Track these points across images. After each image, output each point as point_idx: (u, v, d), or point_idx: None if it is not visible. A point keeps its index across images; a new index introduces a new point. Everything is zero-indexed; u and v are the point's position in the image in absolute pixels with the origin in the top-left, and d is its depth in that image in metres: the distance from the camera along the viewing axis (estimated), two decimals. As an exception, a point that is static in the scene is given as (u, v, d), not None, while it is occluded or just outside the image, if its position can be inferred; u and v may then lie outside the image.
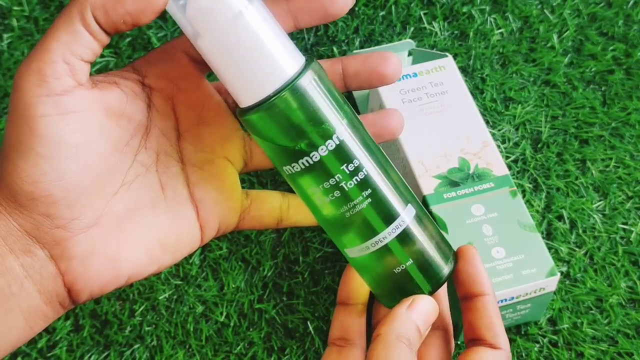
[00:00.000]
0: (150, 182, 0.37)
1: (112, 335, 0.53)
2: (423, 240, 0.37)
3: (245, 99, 0.34)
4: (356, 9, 0.67)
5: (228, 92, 0.38)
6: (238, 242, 0.56)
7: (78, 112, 0.33)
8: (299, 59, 0.34)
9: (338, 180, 0.35)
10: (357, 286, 0.39)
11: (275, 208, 0.40)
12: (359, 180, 0.35)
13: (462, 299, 0.39)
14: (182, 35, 0.36)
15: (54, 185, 0.33)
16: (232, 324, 0.54)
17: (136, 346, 0.53)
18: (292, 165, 0.35)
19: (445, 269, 0.38)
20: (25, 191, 0.33)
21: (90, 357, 0.52)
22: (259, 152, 0.40)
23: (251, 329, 0.53)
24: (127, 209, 0.36)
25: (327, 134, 0.34)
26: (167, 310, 0.54)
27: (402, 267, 0.37)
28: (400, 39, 0.65)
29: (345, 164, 0.35)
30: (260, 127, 0.34)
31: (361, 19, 0.66)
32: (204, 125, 0.38)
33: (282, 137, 0.34)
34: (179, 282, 0.55)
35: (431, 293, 0.38)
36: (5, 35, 0.66)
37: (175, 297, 0.55)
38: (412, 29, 0.66)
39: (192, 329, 0.53)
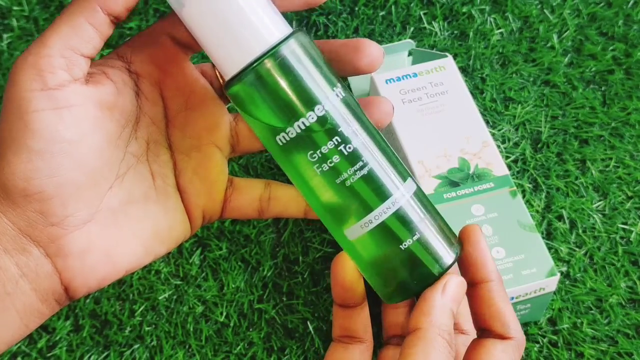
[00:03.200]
0: (142, 173, 0.37)
1: (112, 335, 0.53)
2: (426, 216, 0.35)
3: (229, 69, 0.33)
4: (356, 9, 0.67)
5: (214, 76, 0.38)
6: (238, 242, 0.56)
7: (72, 107, 0.33)
8: (284, 29, 0.34)
9: (326, 152, 0.34)
10: (351, 284, 0.37)
11: (255, 199, 0.39)
12: (349, 151, 0.34)
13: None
14: (164, 17, 0.36)
15: (47, 182, 0.33)
16: (232, 324, 0.54)
17: (136, 346, 0.53)
18: (278, 137, 0.34)
19: (452, 249, 0.35)
20: (18, 188, 0.33)
21: (90, 357, 0.52)
22: (246, 137, 0.39)
23: (251, 329, 0.53)
24: (122, 202, 0.36)
25: (311, 103, 0.33)
26: (167, 310, 0.54)
27: (406, 244, 0.35)
28: (400, 39, 0.65)
29: (335, 135, 0.34)
30: (245, 96, 0.34)
31: (361, 19, 0.66)
32: (191, 110, 0.38)
33: (266, 107, 0.34)
34: (179, 282, 0.55)
35: (437, 277, 0.35)
36: (5, 35, 0.66)
37: (175, 297, 0.55)
38: (412, 29, 0.66)
39: (192, 329, 0.53)
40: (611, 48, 0.65)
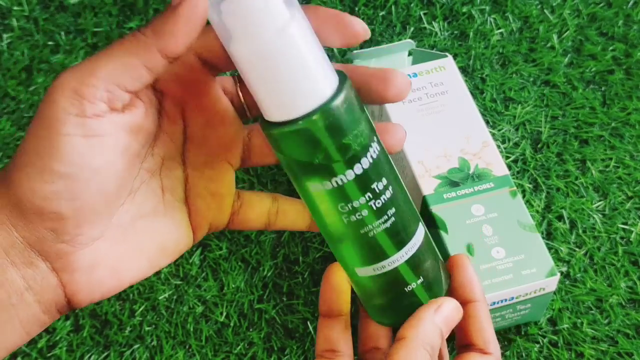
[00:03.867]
0: (153, 188, 0.37)
1: (112, 335, 0.53)
2: (431, 260, 0.37)
3: (275, 114, 0.33)
4: (356, 9, 0.67)
5: (234, 94, 0.38)
6: (238, 242, 0.56)
7: (104, 137, 0.32)
8: (334, 79, 0.33)
9: (357, 206, 0.34)
10: (339, 297, 0.38)
11: (264, 213, 0.40)
12: (377, 206, 0.34)
13: None
14: None
15: (66, 205, 0.32)
16: (232, 324, 0.54)
17: (136, 346, 0.53)
18: (313, 185, 0.34)
19: (446, 283, 0.38)
20: (34, 205, 0.32)
21: (90, 357, 0.52)
22: (258, 152, 0.39)
23: (251, 329, 0.53)
24: (132, 217, 0.36)
25: (351, 162, 0.33)
26: (167, 310, 0.54)
27: (411, 287, 0.36)
28: (400, 39, 0.65)
29: (368, 191, 0.34)
30: (286, 144, 0.33)
31: (361, 19, 0.66)
32: (211, 129, 0.37)
33: (307, 157, 0.33)
34: (179, 282, 0.55)
35: None
36: (5, 35, 0.66)
37: (175, 297, 0.55)
38: (412, 29, 0.66)
39: (192, 329, 0.53)
40: (611, 48, 0.65)
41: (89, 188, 0.33)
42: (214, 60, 0.35)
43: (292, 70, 0.31)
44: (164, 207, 0.37)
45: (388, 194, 0.34)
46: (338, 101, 0.32)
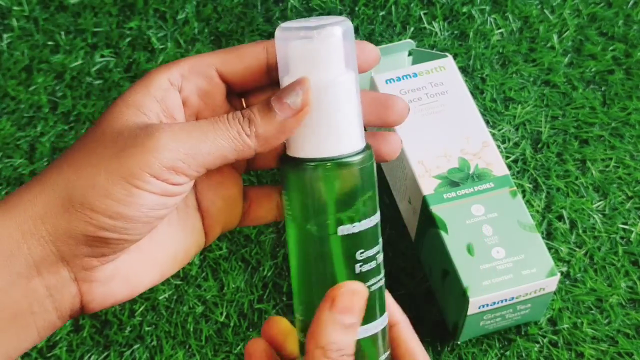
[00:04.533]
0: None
1: (112, 335, 0.53)
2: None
3: (299, 150, 0.34)
4: (356, 9, 0.67)
5: (240, 107, 0.38)
6: (238, 242, 0.56)
7: (177, 196, 0.34)
8: (363, 141, 0.35)
9: (361, 257, 0.35)
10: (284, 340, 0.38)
11: (273, 207, 0.40)
12: (372, 266, 0.35)
13: None
14: (218, 51, 0.36)
15: (116, 237, 0.33)
16: (232, 324, 0.54)
17: (136, 346, 0.53)
18: (316, 229, 0.35)
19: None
20: (86, 230, 0.33)
21: (90, 357, 0.52)
22: (262, 157, 0.39)
23: (251, 329, 0.53)
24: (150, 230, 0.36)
25: (360, 214, 0.34)
26: (167, 310, 0.54)
27: (382, 358, 0.36)
28: (400, 39, 0.65)
29: (370, 247, 0.35)
30: (310, 184, 0.34)
31: (361, 19, 0.66)
32: None
33: (319, 203, 0.34)
34: (179, 282, 0.55)
35: None
36: (5, 35, 0.66)
37: (175, 297, 0.55)
38: (412, 29, 0.66)
39: (192, 329, 0.53)
40: (611, 48, 0.65)
41: (143, 227, 0.34)
42: (234, 80, 0.37)
43: (334, 116, 0.33)
44: (177, 216, 0.37)
45: (380, 256, 0.35)
46: (367, 156, 0.34)
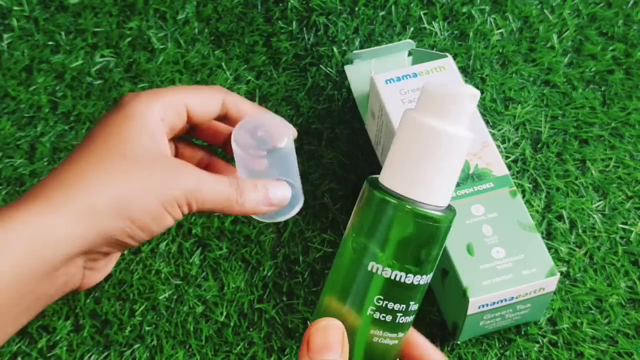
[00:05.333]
0: None
1: (112, 335, 0.53)
2: None
3: (398, 185, 0.34)
4: (356, 9, 0.67)
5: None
6: (238, 242, 0.57)
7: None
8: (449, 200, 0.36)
9: (390, 307, 0.35)
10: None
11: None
12: (400, 321, 0.35)
13: None
14: (230, 93, 0.47)
15: (132, 243, 0.42)
16: (232, 324, 0.54)
17: (136, 346, 0.53)
18: (374, 265, 0.34)
19: None
20: (120, 235, 0.41)
21: (90, 357, 0.52)
22: (202, 130, 0.50)
23: (251, 329, 0.53)
24: None
25: (425, 270, 0.35)
26: (167, 310, 0.54)
27: None
28: (400, 39, 0.65)
29: (404, 302, 0.35)
30: (391, 216, 0.34)
31: (361, 19, 0.66)
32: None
33: (394, 243, 0.34)
34: (179, 282, 0.55)
35: None
36: (5, 35, 0.66)
37: (175, 297, 0.55)
38: (412, 29, 0.66)
39: (192, 329, 0.53)
40: (611, 48, 0.65)
41: (149, 238, 0.43)
42: (235, 114, 0.47)
43: (444, 168, 0.34)
44: None
45: (408, 317, 0.36)
46: (453, 214, 0.35)
